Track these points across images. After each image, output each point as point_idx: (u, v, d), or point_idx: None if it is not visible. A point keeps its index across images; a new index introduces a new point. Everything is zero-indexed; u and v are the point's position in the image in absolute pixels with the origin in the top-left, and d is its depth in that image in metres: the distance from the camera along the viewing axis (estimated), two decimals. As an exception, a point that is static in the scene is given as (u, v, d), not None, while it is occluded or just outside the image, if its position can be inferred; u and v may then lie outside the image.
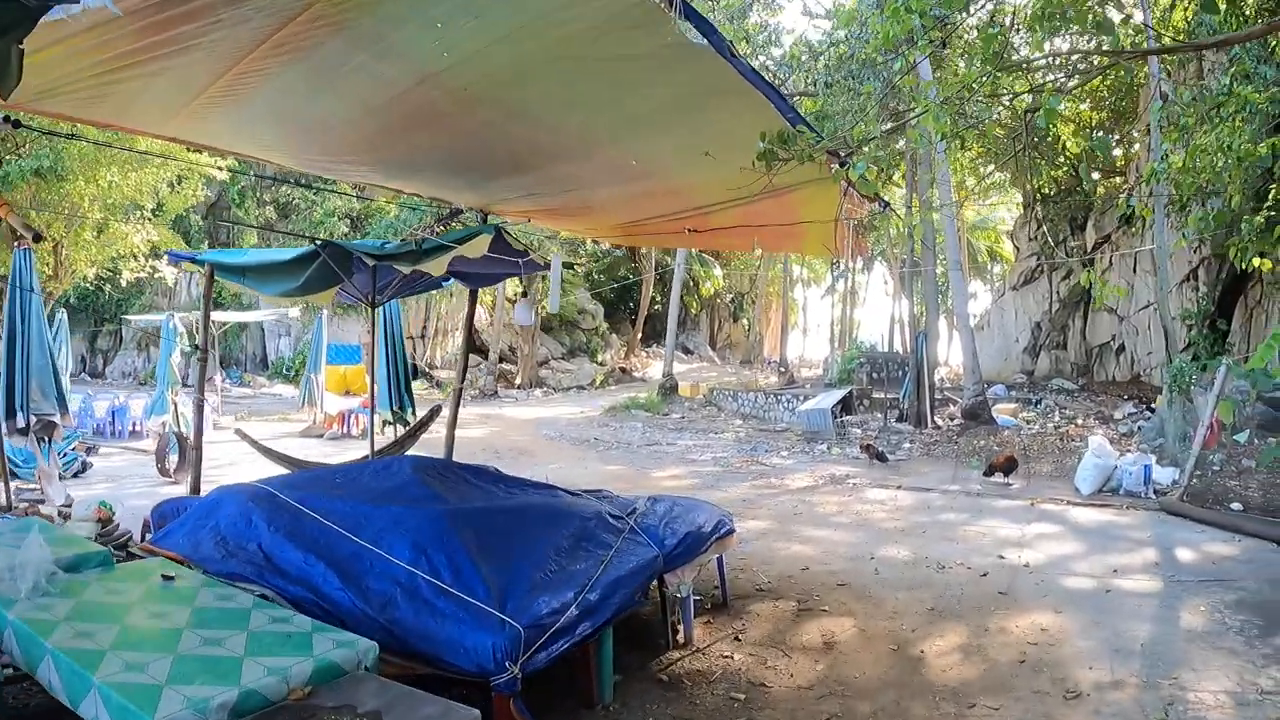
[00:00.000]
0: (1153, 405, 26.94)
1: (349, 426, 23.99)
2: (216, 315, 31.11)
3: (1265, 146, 10.19)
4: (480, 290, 14.13)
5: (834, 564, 10.92)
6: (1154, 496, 15.86)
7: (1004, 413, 25.79)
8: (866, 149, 8.39)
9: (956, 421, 25.69)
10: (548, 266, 11.10)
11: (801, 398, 27.85)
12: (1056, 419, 26.64)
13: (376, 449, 13.55)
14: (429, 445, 14.22)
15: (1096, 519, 14.07)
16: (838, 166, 7.23)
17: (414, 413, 15.60)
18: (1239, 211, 11.78)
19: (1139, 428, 23.75)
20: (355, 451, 17.96)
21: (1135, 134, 37.02)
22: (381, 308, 15.97)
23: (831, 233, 9.12)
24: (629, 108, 7.00)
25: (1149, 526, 13.48)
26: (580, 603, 6.00)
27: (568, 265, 12.52)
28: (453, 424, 12.93)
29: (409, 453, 13.65)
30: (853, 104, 23.76)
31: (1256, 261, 12.03)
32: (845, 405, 26.00)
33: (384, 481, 7.87)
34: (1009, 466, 17.29)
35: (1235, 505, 14.93)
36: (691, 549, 7.70)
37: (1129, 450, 20.11)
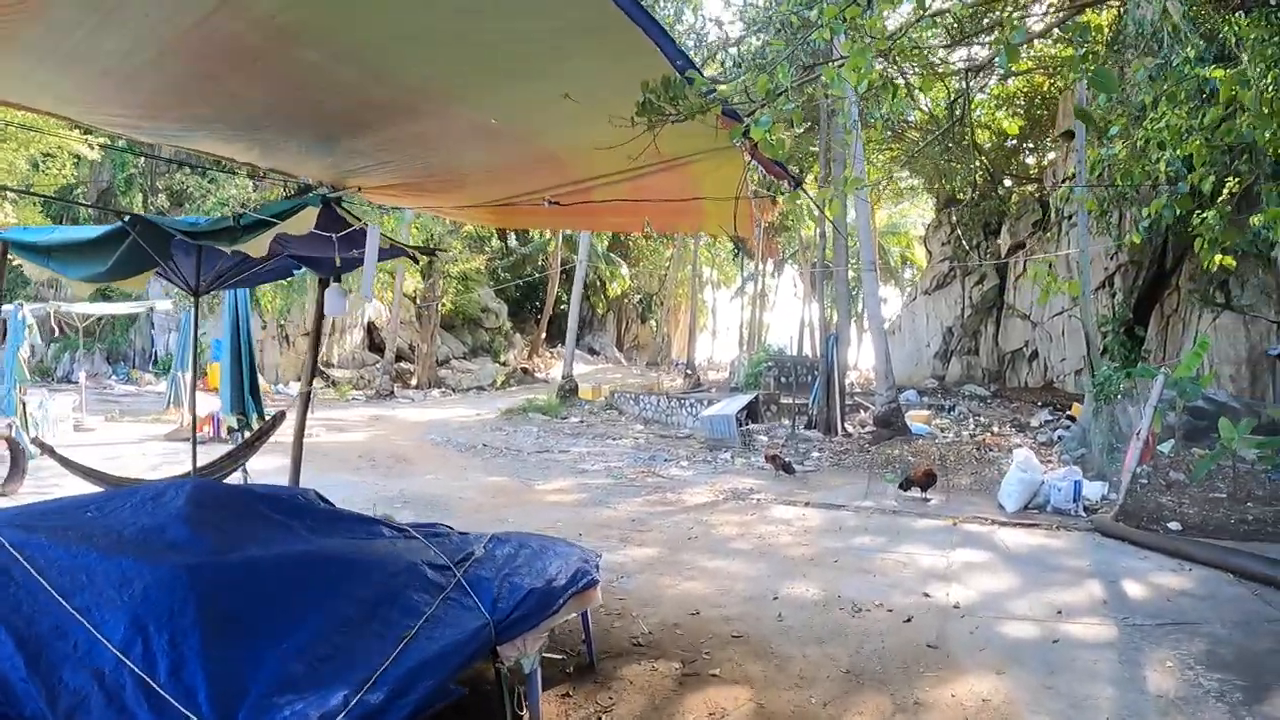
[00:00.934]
0: (1069, 413, 25.90)
1: (218, 428, 21.81)
2: (84, 308, 28.83)
3: (1245, 123, 8.59)
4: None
5: (730, 606, 9.03)
6: (1084, 515, 14.41)
7: (917, 420, 24.27)
8: (776, 102, 6.68)
9: (868, 429, 24.13)
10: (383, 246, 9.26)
11: (705, 402, 26.09)
12: (971, 426, 25.34)
13: (206, 464, 11.45)
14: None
15: (1027, 542, 12.43)
16: (737, 126, 5.64)
17: (261, 418, 13.56)
18: (1211, 195, 10.15)
19: (1059, 438, 22.46)
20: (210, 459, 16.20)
21: (1049, 143, 36.45)
22: (228, 297, 14.00)
23: (732, 210, 7.45)
24: (480, 48, 5.29)
25: (1086, 552, 11.87)
26: (355, 707, 4.12)
27: (420, 250, 10.47)
28: (300, 435, 10.83)
29: (248, 466, 11.69)
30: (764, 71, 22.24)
31: (1219, 259, 10.47)
32: (751, 411, 24.26)
33: (144, 516, 5.71)
34: (927, 481, 15.61)
35: (1173, 525, 13.54)
36: (538, 609, 5.76)
37: (1049, 461, 18.72)
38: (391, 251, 9.97)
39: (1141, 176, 10.97)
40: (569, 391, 33.63)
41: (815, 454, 21.01)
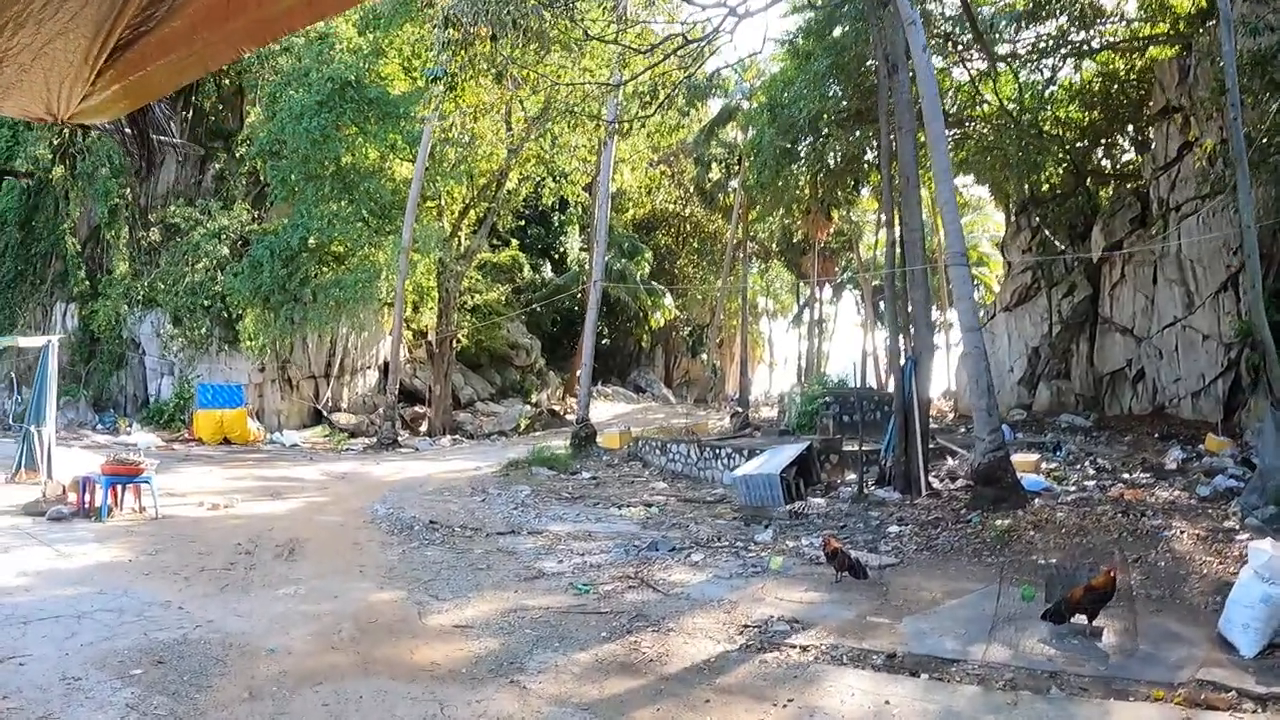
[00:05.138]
0: (1203, 447, 19.58)
1: (87, 499, 15.16)
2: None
3: None
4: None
5: None
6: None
7: (1023, 468, 16.87)
8: None
9: (959, 483, 17.08)
10: None
11: (745, 453, 18.99)
12: (1089, 471, 18.35)
13: None
14: None
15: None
16: None
17: None
18: None
19: (1227, 489, 15.33)
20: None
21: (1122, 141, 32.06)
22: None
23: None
24: None
25: None
26: None
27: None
28: None
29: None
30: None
31: None
32: (803, 466, 16.95)
33: None
34: (1096, 600, 8.39)
35: None
36: None
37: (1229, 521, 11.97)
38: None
39: None
40: (584, 439, 26.32)
41: (893, 528, 13.92)
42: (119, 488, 15.48)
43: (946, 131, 27.49)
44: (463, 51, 19.02)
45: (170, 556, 12.06)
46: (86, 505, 15.19)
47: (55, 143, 33.13)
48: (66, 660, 7.66)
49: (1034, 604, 9.21)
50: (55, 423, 17.72)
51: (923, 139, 18.97)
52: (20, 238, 35.00)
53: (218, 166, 36.91)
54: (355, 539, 13.90)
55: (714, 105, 44.76)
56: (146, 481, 15.45)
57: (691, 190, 52.07)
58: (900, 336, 18.99)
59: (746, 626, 8.94)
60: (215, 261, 33.35)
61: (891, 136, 18.50)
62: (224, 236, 33.77)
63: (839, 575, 10.70)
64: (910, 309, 18.43)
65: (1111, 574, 8.40)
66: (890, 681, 7.39)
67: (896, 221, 18.58)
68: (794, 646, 8.27)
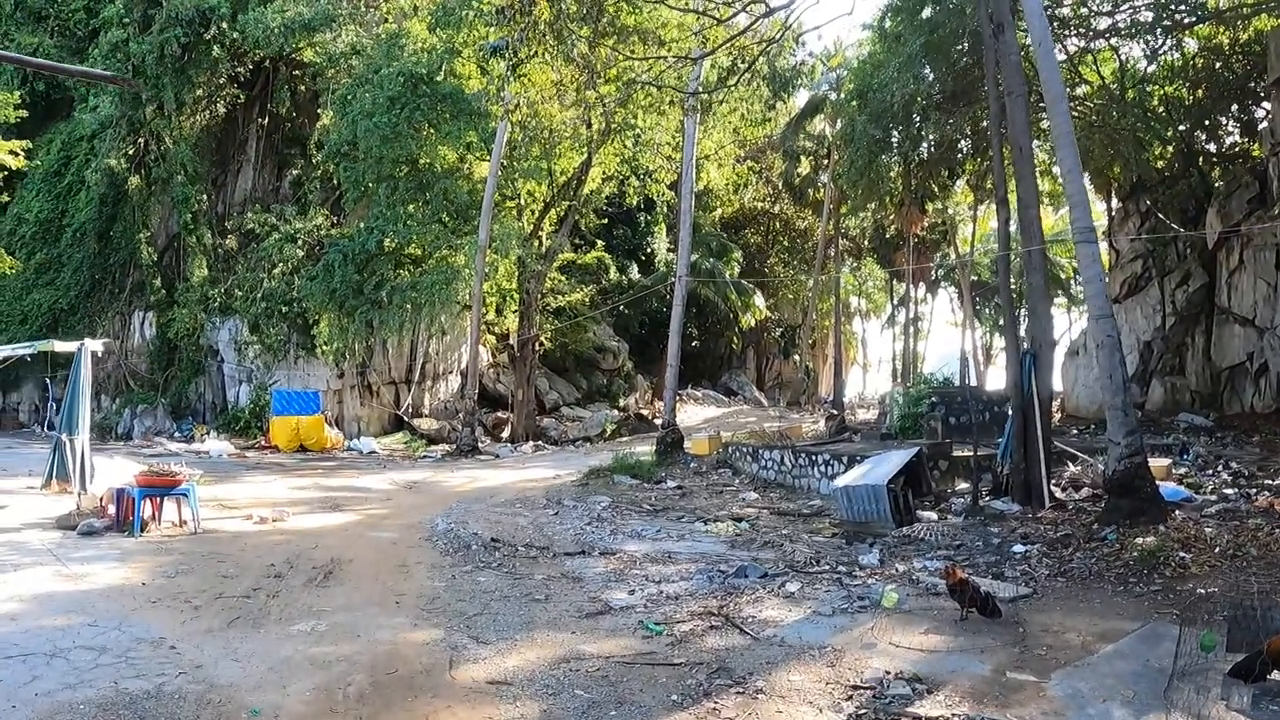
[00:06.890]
0: None
1: (122, 511, 13.88)
2: None
3: None
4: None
5: None
6: None
7: (1154, 474, 14.77)
8: None
9: (1084, 492, 15.17)
10: None
11: (845, 459, 17.21)
12: (1225, 478, 16.51)
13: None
14: None
15: None
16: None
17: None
18: None
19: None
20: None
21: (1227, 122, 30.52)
22: None
23: None
24: None
25: None
26: None
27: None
28: None
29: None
30: None
31: None
32: (911, 475, 15.08)
33: None
34: None
35: None
36: None
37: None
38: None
39: None
40: (670, 445, 24.53)
41: (1018, 548, 11.93)
42: (158, 500, 14.19)
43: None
44: (521, 19, 17.52)
45: (190, 580, 10.71)
46: (122, 519, 13.89)
47: (130, 152, 32.61)
48: (10, 715, 6.31)
49: (1211, 652, 7.31)
50: (89, 430, 16.74)
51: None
52: (98, 248, 34.65)
53: (294, 173, 36.43)
54: (404, 560, 12.31)
55: (800, 97, 43.37)
56: (185, 493, 14.10)
57: (780, 186, 50.74)
58: (1011, 329, 17.13)
59: (856, 687, 7.01)
60: (291, 267, 32.72)
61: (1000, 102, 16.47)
62: (300, 241, 32.96)
63: (965, 612, 8.82)
64: (1029, 297, 16.50)
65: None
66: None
67: (1009, 198, 16.61)
68: (919, 718, 6.48)
